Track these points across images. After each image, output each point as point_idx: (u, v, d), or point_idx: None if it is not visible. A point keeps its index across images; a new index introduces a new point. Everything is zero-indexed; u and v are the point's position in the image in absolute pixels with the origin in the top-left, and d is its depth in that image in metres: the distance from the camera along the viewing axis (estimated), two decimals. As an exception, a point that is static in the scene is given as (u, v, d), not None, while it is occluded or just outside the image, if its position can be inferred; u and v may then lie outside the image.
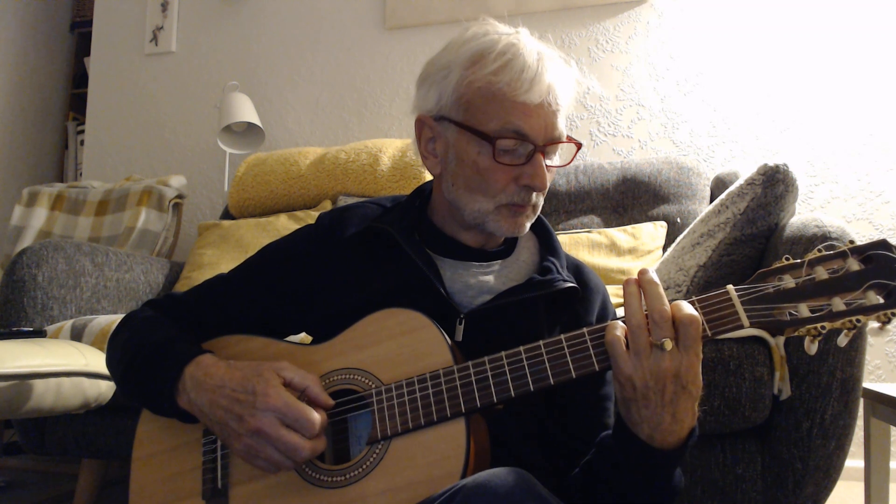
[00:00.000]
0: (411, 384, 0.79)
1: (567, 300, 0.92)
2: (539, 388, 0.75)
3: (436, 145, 0.93)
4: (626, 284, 0.74)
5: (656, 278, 0.73)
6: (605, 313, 0.98)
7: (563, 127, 0.89)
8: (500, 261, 0.96)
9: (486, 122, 0.86)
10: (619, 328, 0.73)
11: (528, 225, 0.93)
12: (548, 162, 0.89)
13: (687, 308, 0.71)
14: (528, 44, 0.88)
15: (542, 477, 0.73)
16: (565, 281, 0.91)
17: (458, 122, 0.89)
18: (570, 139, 0.91)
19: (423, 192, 1.02)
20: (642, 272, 0.74)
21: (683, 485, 0.81)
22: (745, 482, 1.26)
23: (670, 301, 0.73)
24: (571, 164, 2.23)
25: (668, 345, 0.70)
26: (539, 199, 0.91)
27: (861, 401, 1.30)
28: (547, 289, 0.89)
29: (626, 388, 0.72)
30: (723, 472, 1.27)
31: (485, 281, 0.93)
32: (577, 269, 1.00)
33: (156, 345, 0.89)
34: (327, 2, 2.93)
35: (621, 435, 0.77)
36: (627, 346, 0.72)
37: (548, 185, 0.89)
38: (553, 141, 0.88)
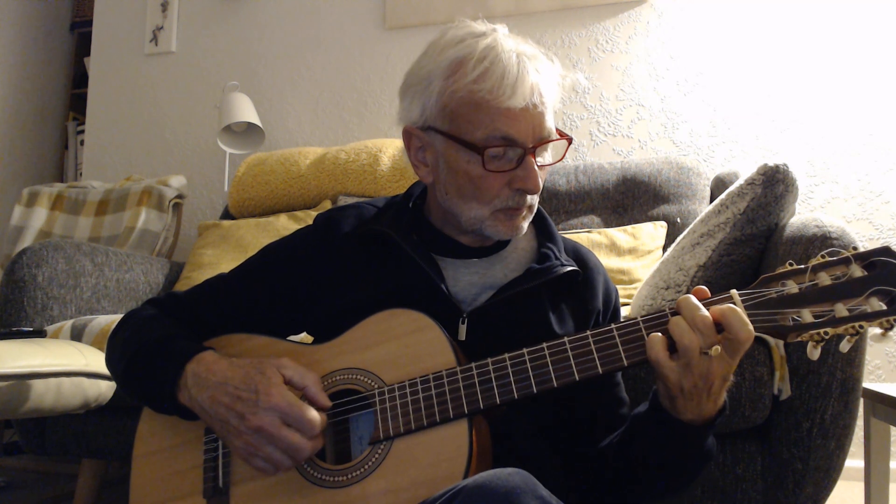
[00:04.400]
0: (414, 385, 0.79)
1: (569, 284, 0.93)
2: (542, 391, 0.76)
3: (426, 154, 0.93)
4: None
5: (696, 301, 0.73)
6: (609, 295, 0.99)
7: (551, 125, 0.88)
8: (497, 254, 0.96)
9: (472, 132, 0.85)
10: (659, 341, 0.73)
11: (526, 225, 0.93)
12: (540, 161, 0.88)
13: (749, 327, 0.70)
14: (506, 45, 0.86)
15: (545, 477, 0.73)
16: (564, 265, 0.91)
17: (444, 132, 0.88)
18: (561, 134, 0.89)
19: (415, 191, 1.02)
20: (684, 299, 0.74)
21: (716, 447, 0.85)
22: (745, 482, 1.26)
23: (721, 304, 0.73)
24: (571, 164, 2.24)
25: (716, 351, 0.70)
26: (534, 200, 0.91)
27: (861, 401, 1.30)
28: (546, 276, 0.89)
29: (673, 389, 0.74)
30: (723, 472, 1.27)
31: (486, 276, 0.93)
32: (576, 251, 1.01)
33: (157, 342, 0.89)
34: (327, 2, 2.93)
35: (662, 418, 0.79)
36: (670, 354, 0.72)
37: (541, 184, 0.89)
38: (542, 141, 0.87)
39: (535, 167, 0.87)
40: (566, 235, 1.95)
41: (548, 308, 0.91)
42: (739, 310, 0.71)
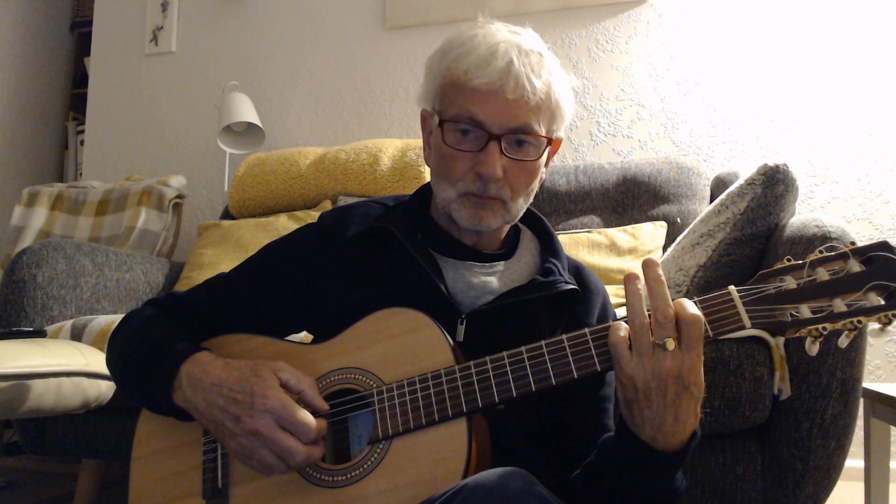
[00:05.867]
0: (412, 384, 0.79)
1: (568, 302, 0.93)
2: (541, 389, 0.75)
3: (430, 137, 0.96)
4: (627, 281, 0.73)
5: (662, 275, 0.72)
6: (606, 315, 0.98)
7: (529, 119, 0.86)
8: (502, 262, 0.96)
9: (448, 110, 0.88)
10: (623, 329, 0.73)
11: (494, 221, 0.90)
12: (511, 154, 0.87)
13: (690, 308, 0.71)
14: (495, 34, 0.87)
15: (543, 477, 0.73)
16: (567, 283, 0.91)
17: (436, 111, 0.92)
18: (537, 135, 0.87)
19: (426, 191, 1.03)
20: (648, 265, 0.72)
21: (685, 488, 0.81)
22: (745, 482, 1.26)
23: (672, 300, 0.72)
24: (571, 164, 2.24)
25: (671, 345, 0.69)
26: (504, 193, 0.88)
27: (861, 401, 1.30)
28: (549, 290, 0.89)
29: (629, 389, 0.72)
30: (723, 472, 1.27)
31: (487, 281, 0.93)
32: (577, 270, 1.00)
33: (154, 342, 0.89)
34: (327, 2, 2.93)
35: (623, 437, 0.77)
36: (630, 346, 0.72)
37: (500, 174, 0.86)
38: (515, 132, 0.86)
39: (498, 154, 0.85)
40: (566, 235, 1.97)
41: (544, 321, 0.91)
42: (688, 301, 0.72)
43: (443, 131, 0.88)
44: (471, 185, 0.88)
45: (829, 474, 1.22)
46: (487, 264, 0.95)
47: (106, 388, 1.39)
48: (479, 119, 0.85)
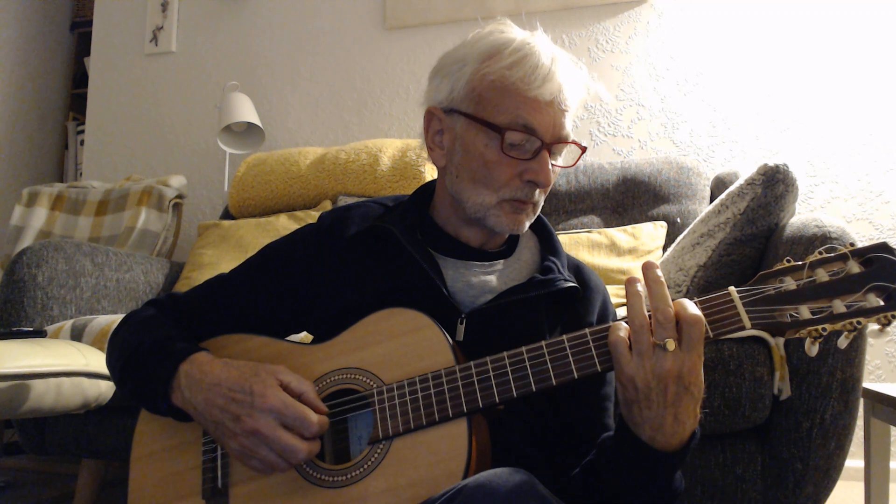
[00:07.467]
0: (413, 384, 0.79)
1: (568, 300, 0.93)
2: (541, 389, 0.75)
3: (443, 137, 0.94)
4: (628, 283, 0.74)
5: (662, 276, 0.73)
6: (606, 313, 0.98)
7: (570, 128, 0.90)
8: (501, 260, 0.96)
9: (496, 115, 0.87)
10: (623, 329, 0.73)
11: (528, 224, 0.93)
12: (552, 161, 0.90)
13: (691, 308, 0.71)
14: (544, 44, 0.89)
15: (543, 477, 0.73)
16: (566, 280, 0.91)
17: (468, 113, 0.89)
18: (575, 143, 0.92)
19: (425, 191, 1.03)
20: (648, 267, 0.73)
21: (684, 487, 0.81)
22: (745, 482, 1.26)
23: (672, 300, 0.72)
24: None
25: (671, 345, 0.69)
26: (541, 198, 0.92)
27: (861, 401, 1.30)
28: (548, 288, 0.89)
29: (629, 389, 0.72)
30: (723, 472, 1.27)
31: (486, 280, 0.93)
32: (578, 269, 1.00)
33: (152, 343, 0.89)
34: (327, 2, 2.93)
35: (623, 436, 0.77)
36: (630, 346, 0.72)
37: (552, 183, 0.90)
38: (560, 140, 0.89)
39: (549, 162, 0.88)
40: (566, 235, 1.97)
41: (544, 319, 0.91)
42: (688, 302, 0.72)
43: (502, 138, 0.86)
44: (517, 191, 0.89)
45: (829, 474, 1.23)
46: (487, 263, 0.95)
47: (106, 388, 1.39)
48: (534, 127, 0.86)
